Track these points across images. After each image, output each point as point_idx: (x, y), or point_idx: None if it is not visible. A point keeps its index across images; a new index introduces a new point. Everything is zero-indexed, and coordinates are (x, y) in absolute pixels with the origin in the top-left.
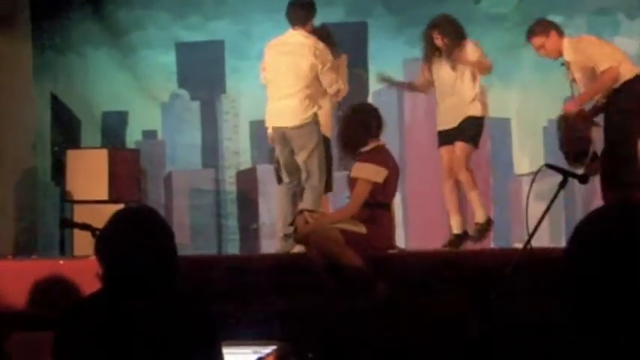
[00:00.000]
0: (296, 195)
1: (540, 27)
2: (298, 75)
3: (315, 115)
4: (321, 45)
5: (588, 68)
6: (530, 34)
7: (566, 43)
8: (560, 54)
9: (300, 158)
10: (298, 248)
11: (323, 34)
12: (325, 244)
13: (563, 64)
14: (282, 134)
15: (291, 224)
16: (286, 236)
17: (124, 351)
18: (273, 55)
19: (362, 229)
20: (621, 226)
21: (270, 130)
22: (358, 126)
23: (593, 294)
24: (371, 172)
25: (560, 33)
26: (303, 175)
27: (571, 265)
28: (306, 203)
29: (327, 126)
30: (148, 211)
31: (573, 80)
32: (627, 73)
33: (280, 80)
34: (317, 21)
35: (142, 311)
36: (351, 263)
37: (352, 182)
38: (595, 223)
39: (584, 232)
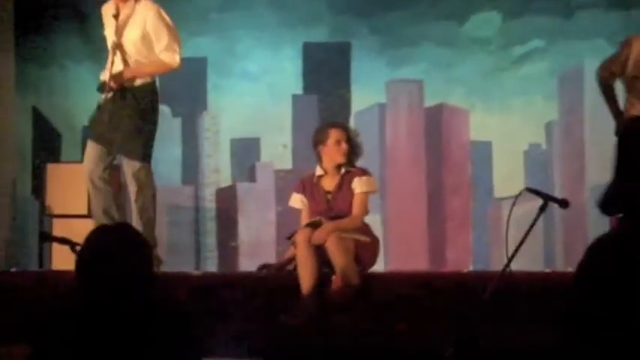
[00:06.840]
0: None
1: None
2: None
3: None
4: None
5: None
6: None
7: None
8: None
9: None
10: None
11: None
12: (342, 253)
13: None
14: None
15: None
16: None
17: None
18: None
19: (367, 238)
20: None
21: None
22: (359, 148)
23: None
24: (372, 184)
25: None
26: None
27: (583, 289)
28: None
29: None
30: (123, 228)
31: None
32: None
33: None
34: (300, 40)
35: (120, 325)
36: (352, 279)
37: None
38: (609, 249)
39: (597, 257)
